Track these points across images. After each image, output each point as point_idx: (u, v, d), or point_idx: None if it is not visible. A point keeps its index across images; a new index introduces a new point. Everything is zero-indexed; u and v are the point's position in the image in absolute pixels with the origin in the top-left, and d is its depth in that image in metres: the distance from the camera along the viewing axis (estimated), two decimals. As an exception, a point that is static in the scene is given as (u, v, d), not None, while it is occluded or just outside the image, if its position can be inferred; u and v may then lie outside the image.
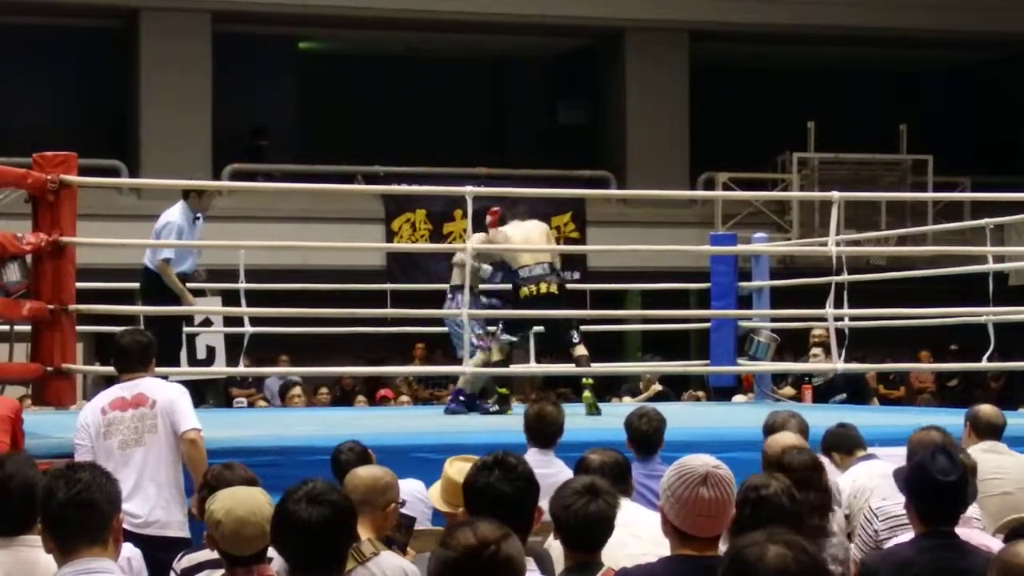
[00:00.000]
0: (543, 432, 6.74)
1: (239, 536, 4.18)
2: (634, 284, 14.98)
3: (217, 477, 5.18)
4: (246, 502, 4.26)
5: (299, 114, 21.88)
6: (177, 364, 9.75)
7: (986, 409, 7.32)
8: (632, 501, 5.46)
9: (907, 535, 4.78)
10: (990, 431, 7.11)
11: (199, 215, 9.60)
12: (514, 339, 10.21)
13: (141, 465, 6.29)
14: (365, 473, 5.10)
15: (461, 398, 10.14)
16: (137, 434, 6.35)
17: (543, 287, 9.91)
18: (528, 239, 10.01)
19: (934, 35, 21.56)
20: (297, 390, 14.08)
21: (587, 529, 4.16)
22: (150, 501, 6.27)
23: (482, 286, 10.17)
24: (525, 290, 9.89)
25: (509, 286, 10.11)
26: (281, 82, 21.77)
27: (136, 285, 13.71)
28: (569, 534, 4.18)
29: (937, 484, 4.55)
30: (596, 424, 8.78)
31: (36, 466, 4.42)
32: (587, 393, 10.01)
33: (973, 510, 5.78)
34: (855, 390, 12.59)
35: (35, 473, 4.31)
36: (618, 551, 4.51)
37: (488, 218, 10.22)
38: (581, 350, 10.04)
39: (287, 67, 21.92)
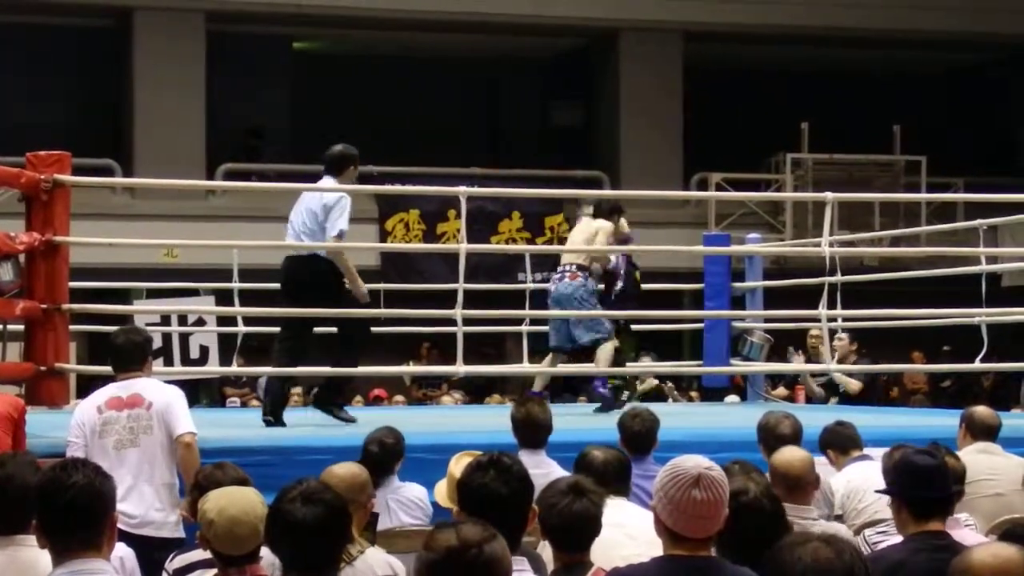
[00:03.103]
0: (532, 433, 6.75)
1: (232, 535, 4.18)
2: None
3: (208, 477, 5.17)
4: (239, 501, 4.26)
5: (293, 114, 21.86)
6: (355, 362, 8.87)
7: (981, 411, 7.32)
8: (628, 501, 5.45)
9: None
10: (985, 432, 7.12)
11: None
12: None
13: (136, 466, 6.28)
14: (343, 471, 5.15)
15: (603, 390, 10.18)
16: (132, 435, 6.34)
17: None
18: None
19: (928, 36, 21.59)
20: (297, 389, 14.13)
21: (573, 528, 4.16)
22: (145, 501, 6.27)
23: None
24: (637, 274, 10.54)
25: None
26: (275, 82, 21.75)
27: (131, 285, 13.77)
28: (555, 534, 4.18)
29: (919, 470, 4.63)
30: (589, 424, 8.78)
31: (38, 468, 4.42)
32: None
33: (964, 512, 5.81)
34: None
35: (35, 475, 4.30)
36: (613, 552, 4.51)
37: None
38: None
39: (281, 67, 21.90)
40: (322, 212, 8.54)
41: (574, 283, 9.99)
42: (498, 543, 3.15)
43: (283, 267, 8.88)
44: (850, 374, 11.60)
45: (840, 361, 11.34)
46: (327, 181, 8.79)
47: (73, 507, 3.75)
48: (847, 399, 12.04)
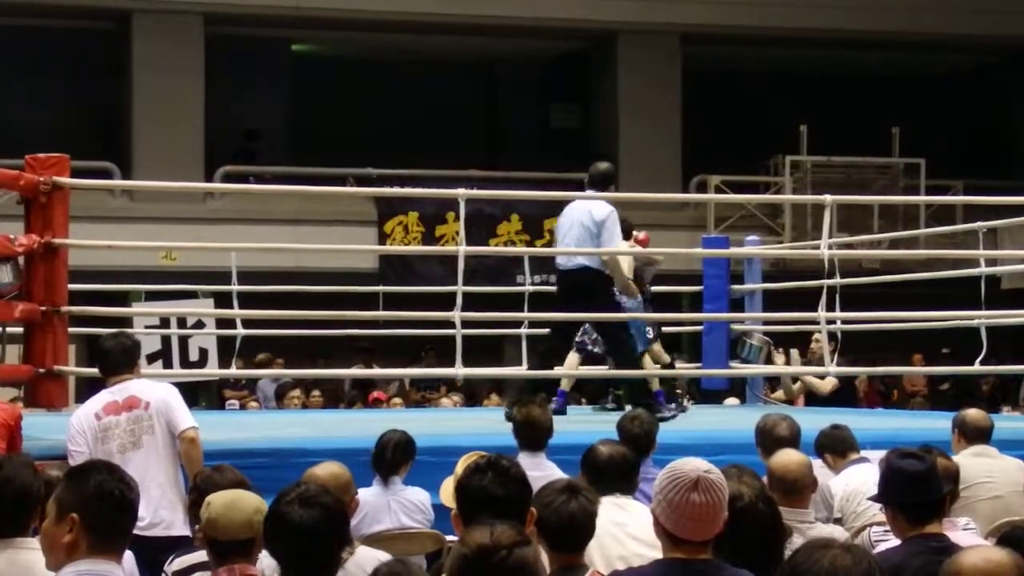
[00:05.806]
0: (532, 435, 6.74)
1: (227, 519, 4.20)
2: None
3: (207, 480, 5.17)
4: (235, 494, 4.38)
5: (292, 116, 21.87)
6: (637, 364, 9.64)
7: (973, 413, 7.32)
8: (635, 500, 5.43)
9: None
10: (978, 435, 7.11)
11: None
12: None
13: (142, 467, 6.25)
14: (324, 472, 5.20)
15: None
16: (134, 437, 6.35)
17: None
18: None
19: (927, 39, 21.59)
20: (296, 392, 14.14)
21: (568, 528, 4.14)
22: (153, 503, 6.27)
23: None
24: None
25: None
26: (274, 84, 21.76)
27: (130, 287, 13.76)
28: (550, 534, 4.16)
29: (907, 475, 4.65)
30: (588, 427, 8.78)
31: (35, 469, 4.41)
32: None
33: (965, 517, 5.81)
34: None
35: (33, 478, 4.30)
36: (612, 552, 4.51)
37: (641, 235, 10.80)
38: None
39: (280, 69, 21.91)
40: (594, 226, 9.39)
41: (632, 300, 10.24)
42: (530, 549, 3.20)
43: (563, 278, 9.60)
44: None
45: (818, 361, 11.33)
46: (600, 199, 9.73)
47: (124, 507, 3.73)
48: (817, 400, 12.09)
